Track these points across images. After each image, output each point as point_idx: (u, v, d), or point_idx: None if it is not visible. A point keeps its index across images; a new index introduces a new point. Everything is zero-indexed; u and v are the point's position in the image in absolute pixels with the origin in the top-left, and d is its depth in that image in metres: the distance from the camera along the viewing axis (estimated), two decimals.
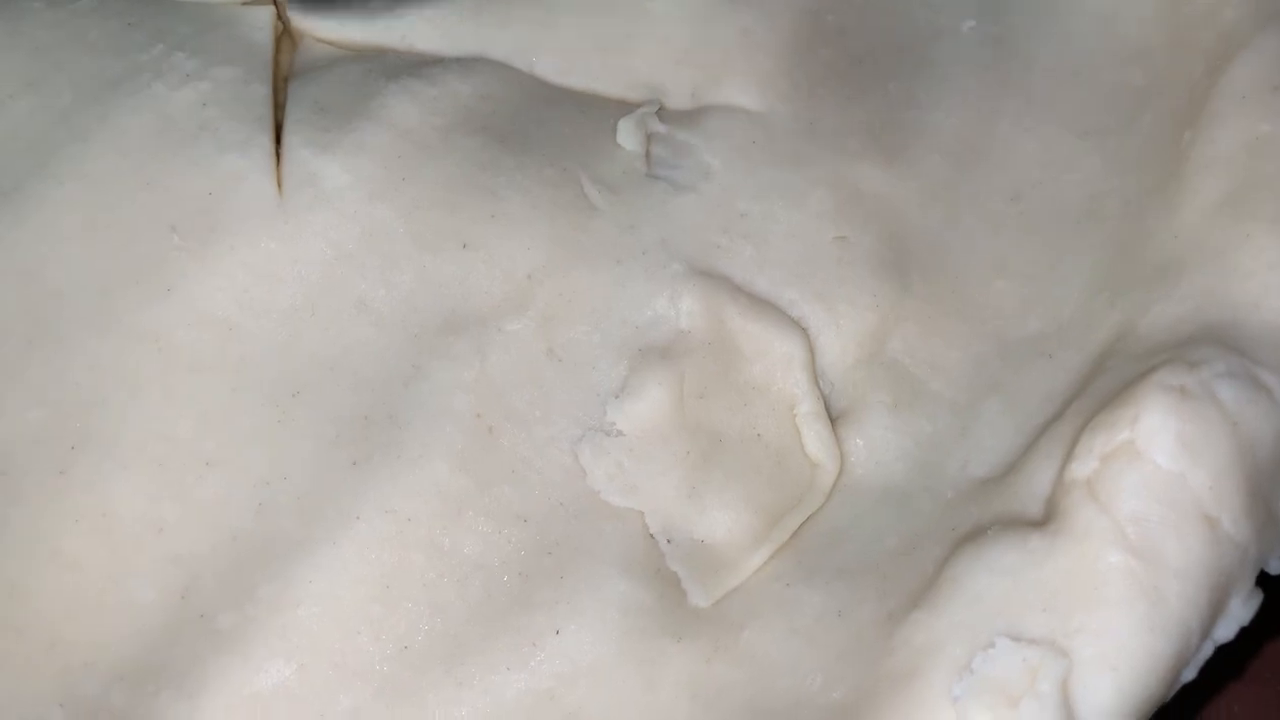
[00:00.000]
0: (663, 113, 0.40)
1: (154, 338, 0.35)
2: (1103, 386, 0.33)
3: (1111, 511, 0.30)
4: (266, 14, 0.40)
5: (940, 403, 0.37)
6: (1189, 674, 0.30)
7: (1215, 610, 0.30)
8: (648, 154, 0.39)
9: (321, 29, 0.41)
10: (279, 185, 0.36)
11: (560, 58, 0.41)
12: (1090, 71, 0.41)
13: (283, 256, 0.36)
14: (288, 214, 0.36)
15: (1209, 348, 0.32)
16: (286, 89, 0.39)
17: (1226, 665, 0.33)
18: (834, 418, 0.37)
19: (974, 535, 0.32)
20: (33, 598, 0.33)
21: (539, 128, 0.39)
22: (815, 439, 0.36)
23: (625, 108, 0.40)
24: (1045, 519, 0.31)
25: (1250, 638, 0.31)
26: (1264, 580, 0.31)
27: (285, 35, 0.41)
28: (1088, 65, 0.41)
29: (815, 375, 0.37)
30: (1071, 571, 0.29)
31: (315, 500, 0.34)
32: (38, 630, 0.33)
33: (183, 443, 0.35)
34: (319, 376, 0.35)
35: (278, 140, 0.37)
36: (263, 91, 0.38)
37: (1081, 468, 0.31)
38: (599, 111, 0.40)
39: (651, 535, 0.35)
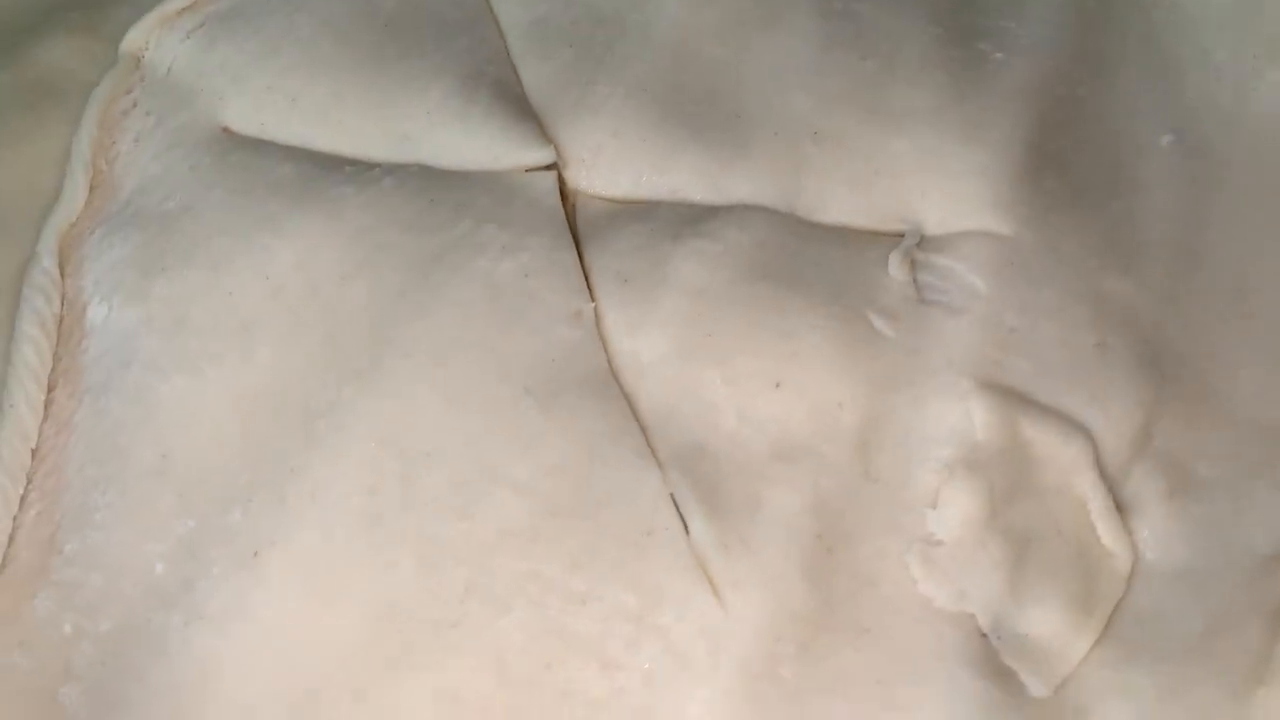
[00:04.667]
0: (921, 241, 0.44)
1: (519, 488, 0.39)
2: None
3: None
4: (550, 179, 0.44)
5: (1212, 486, 0.41)
6: None
7: None
8: (915, 281, 0.43)
9: (596, 187, 0.45)
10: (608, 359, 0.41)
11: (817, 197, 0.45)
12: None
13: (621, 417, 0.40)
14: (620, 380, 0.41)
15: None
16: (582, 250, 0.43)
17: None
18: (1119, 510, 0.41)
19: None
20: None
21: (814, 267, 0.43)
22: (1109, 532, 0.40)
23: (880, 238, 0.44)
24: None
25: None
26: None
27: (564, 194, 0.45)
28: (1277, 166, 0.46)
29: (1101, 473, 0.41)
30: None
31: (687, 629, 0.37)
32: None
33: (556, 581, 0.38)
34: (671, 514, 0.39)
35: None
36: (570, 258, 0.42)
37: None
38: (860, 244, 0.44)
39: (984, 634, 0.39)
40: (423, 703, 0.37)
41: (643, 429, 0.40)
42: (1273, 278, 0.45)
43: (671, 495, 0.39)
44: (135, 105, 0.47)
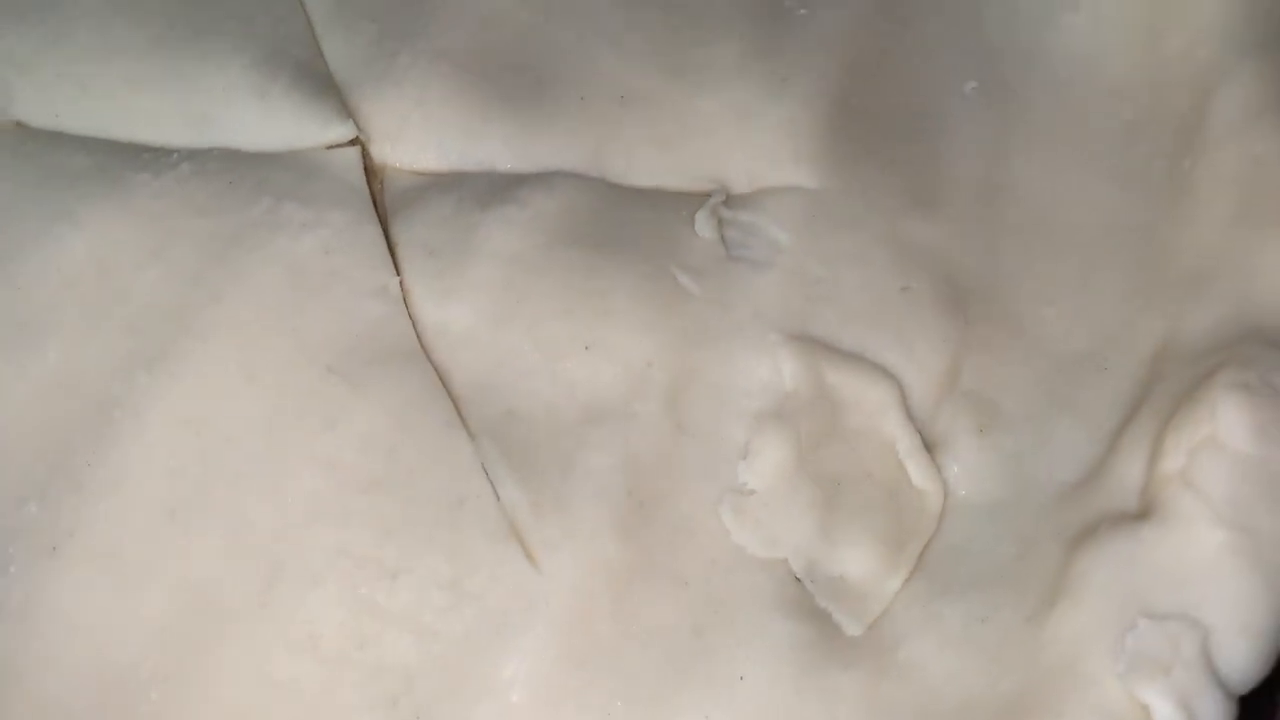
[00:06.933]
0: (728, 199, 0.44)
1: (325, 465, 0.38)
2: (1167, 391, 0.39)
3: (1207, 496, 0.35)
4: (354, 154, 0.44)
5: (1017, 420, 0.42)
6: None
7: None
8: (723, 238, 0.43)
9: (403, 160, 0.45)
10: (416, 332, 0.40)
11: (625, 160, 0.45)
12: (1083, 109, 0.47)
13: (432, 388, 0.40)
14: (432, 352, 0.40)
15: (1256, 346, 0.37)
16: (389, 225, 0.43)
17: None
18: (930, 448, 0.42)
19: (1086, 535, 0.37)
20: None
21: (622, 229, 0.43)
22: (918, 471, 0.41)
23: (689, 198, 0.44)
24: (1146, 511, 0.36)
25: None
26: None
27: (371, 170, 0.44)
28: (1080, 104, 0.47)
29: (907, 414, 0.42)
30: (1185, 552, 0.35)
31: (501, 592, 0.38)
32: None
33: (366, 555, 0.38)
34: (481, 481, 0.39)
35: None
36: (373, 232, 0.42)
37: (1171, 463, 0.36)
38: (669, 205, 0.44)
39: (797, 579, 0.39)
40: (233, 683, 0.36)
41: (455, 399, 0.40)
42: (1073, 214, 0.46)
43: (483, 465, 0.39)
44: None
